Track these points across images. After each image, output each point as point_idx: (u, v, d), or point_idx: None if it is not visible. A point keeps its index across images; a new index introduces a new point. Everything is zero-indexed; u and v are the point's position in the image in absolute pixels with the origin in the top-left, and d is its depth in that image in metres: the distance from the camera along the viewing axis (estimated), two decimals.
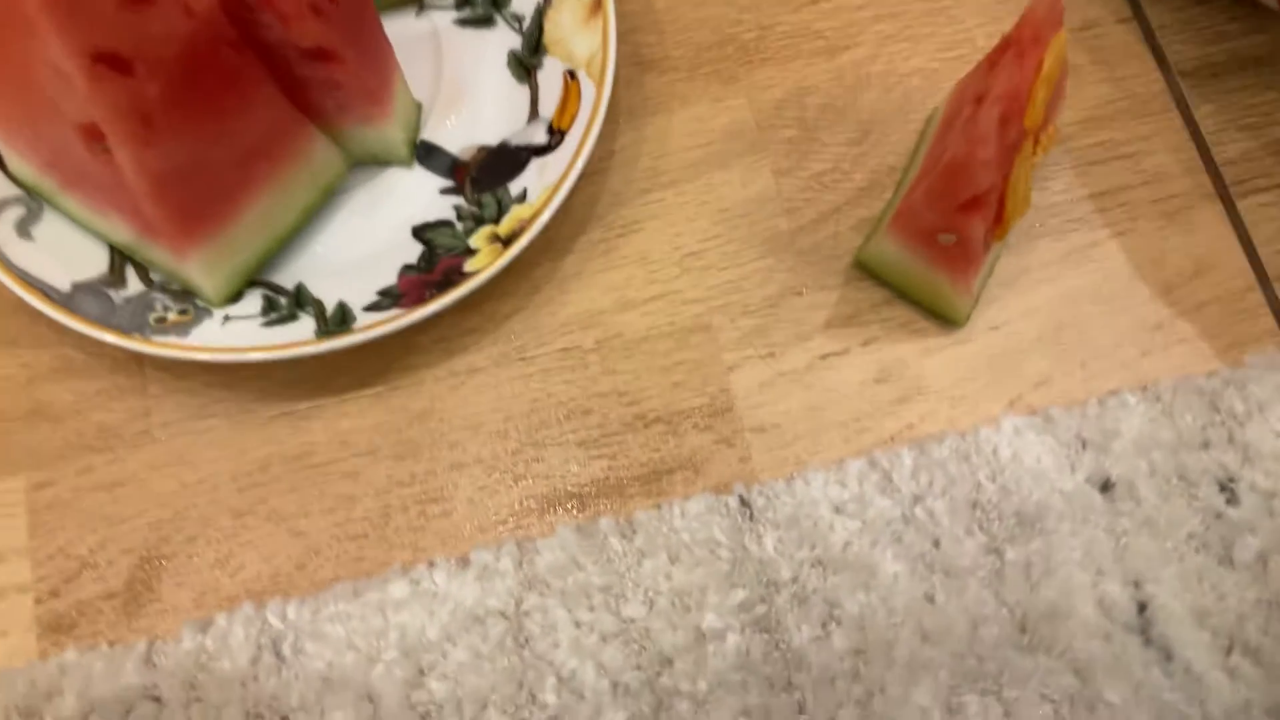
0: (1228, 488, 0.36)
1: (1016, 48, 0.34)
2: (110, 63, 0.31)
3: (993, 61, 0.37)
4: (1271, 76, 0.43)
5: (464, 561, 0.35)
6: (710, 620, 0.33)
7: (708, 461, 0.37)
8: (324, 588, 0.35)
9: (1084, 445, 0.36)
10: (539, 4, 0.41)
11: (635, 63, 0.43)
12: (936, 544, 0.35)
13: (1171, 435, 0.36)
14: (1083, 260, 0.40)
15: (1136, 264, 0.40)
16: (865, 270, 0.39)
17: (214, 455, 0.36)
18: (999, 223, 0.36)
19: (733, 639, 0.33)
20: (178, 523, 0.35)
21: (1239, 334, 0.39)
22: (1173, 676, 0.33)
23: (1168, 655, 0.33)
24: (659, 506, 0.36)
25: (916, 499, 0.35)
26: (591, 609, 0.33)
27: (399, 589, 0.34)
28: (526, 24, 0.41)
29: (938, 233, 0.36)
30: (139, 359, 0.38)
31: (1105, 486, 0.35)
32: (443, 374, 0.38)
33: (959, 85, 0.40)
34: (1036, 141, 0.35)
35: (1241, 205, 0.41)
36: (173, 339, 0.35)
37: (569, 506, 0.36)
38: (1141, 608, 0.34)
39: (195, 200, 0.34)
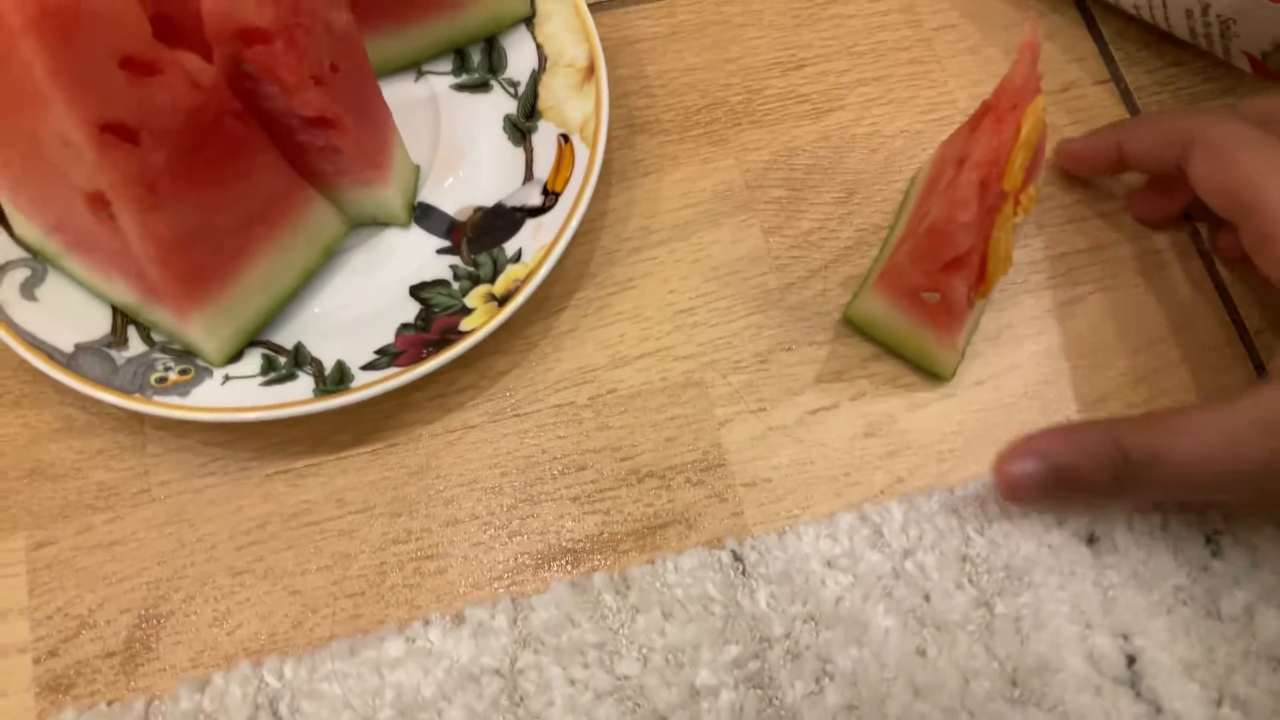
0: (1213, 540, 0.36)
1: (995, 113, 0.35)
2: (117, 132, 0.31)
3: (973, 125, 0.38)
4: None
5: (459, 618, 0.35)
6: (704, 677, 0.33)
7: (700, 516, 0.37)
8: (321, 646, 0.35)
9: None
10: (534, 71, 0.42)
11: (626, 125, 0.44)
12: (927, 598, 0.35)
13: None
14: (1065, 316, 0.41)
15: (1118, 319, 0.41)
16: (853, 326, 0.40)
17: (212, 514, 0.37)
18: (981, 281, 0.36)
19: (726, 696, 0.33)
20: (176, 581, 0.36)
21: (1220, 388, 0.39)
22: None
23: (1158, 708, 0.34)
24: (652, 562, 0.36)
25: (907, 553, 0.36)
26: (586, 666, 0.34)
27: (394, 647, 0.34)
28: (521, 89, 0.42)
29: (922, 291, 0.37)
30: (140, 418, 0.38)
31: (1091, 539, 0.36)
32: (438, 430, 0.38)
33: (942, 147, 0.42)
34: (1017, 203, 0.36)
35: (1218, 260, 0.42)
36: (173, 399, 0.36)
37: (563, 562, 0.36)
38: (1131, 660, 0.34)
39: (198, 263, 0.35)
